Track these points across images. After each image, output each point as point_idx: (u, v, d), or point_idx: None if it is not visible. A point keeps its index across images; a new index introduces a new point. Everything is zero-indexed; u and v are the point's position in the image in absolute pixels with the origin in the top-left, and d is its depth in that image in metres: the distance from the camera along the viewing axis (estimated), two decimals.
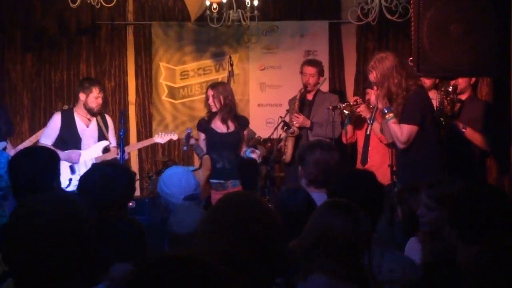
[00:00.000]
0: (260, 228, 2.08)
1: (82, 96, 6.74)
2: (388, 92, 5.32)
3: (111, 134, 6.94)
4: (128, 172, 3.70)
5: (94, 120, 6.81)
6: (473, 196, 3.02)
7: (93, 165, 3.70)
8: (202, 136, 6.79)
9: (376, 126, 6.33)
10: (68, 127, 6.70)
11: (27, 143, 7.01)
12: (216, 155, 6.60)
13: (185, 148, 6.65)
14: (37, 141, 6.91)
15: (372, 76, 5.41)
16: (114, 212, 3.30)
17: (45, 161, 3.63)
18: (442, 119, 5.87)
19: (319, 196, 3.76)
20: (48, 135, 6.72)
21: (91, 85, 6.73)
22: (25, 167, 3.56)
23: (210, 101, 6.69)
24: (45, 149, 4.11)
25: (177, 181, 4.12)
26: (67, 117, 6.77)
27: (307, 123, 7.10)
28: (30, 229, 2.16)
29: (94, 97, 6.69)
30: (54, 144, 6.62)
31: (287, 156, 7.15)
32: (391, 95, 5.33)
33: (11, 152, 6.40)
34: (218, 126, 6.74)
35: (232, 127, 6.72)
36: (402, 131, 5.25)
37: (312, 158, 4.20)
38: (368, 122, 6.47)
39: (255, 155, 6.66)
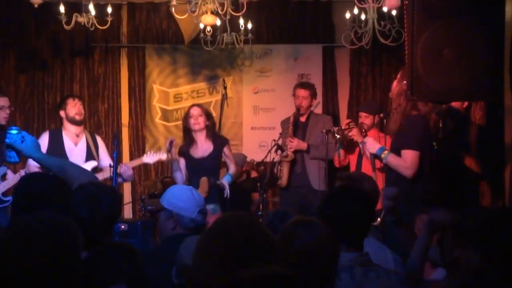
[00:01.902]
0: (255, 250, 2.07)
1: (62, 113, 6.70)
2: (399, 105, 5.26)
3: (102, 153, 6.82)
4: (113, 189, 3.67)
5: (83, 138, 6.73)
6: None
7: (77, 187, 3.65)
8: (182, 161, 6.79)
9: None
10: (56, 146, 6.62)
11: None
12: (195, 180, 6.59)
13: (167, 155, 6.69)
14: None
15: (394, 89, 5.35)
16: (103, 235, 3.26)
17: (52, 188, 3.58)
18: (434, 143, 5.86)
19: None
20: None
21: (64, 100, 6.74)
22: (31, 191, 3.50)
23: (194, 120, 6.71)
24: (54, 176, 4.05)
25: (190, 195, 4.11)
26: (55, 136, 6.70)
27: (304, 146, 7.09)
28: (21, 247, 2.15)
29: (71, 107, 6.63)
30: None
31: (283, 180, 7.12)
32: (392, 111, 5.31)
33: (11, 176, 6.35)
34: (196, 150, 6.75)
35: (211, 148, 6.74)
36: (404, 158, 5.16)
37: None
38: (361, 146, 6.48)
39: (224, 189, 6.64)
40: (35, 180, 3.59)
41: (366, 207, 3.21)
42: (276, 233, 3.43)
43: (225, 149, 6.81)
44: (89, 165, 6.65)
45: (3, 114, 6.58)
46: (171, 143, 6.66)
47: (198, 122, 6.71)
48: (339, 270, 2.81)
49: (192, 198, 4.09)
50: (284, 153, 7.06)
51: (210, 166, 6.71)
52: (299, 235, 2.65)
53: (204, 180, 6.55)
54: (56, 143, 6.64)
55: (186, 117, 6.83)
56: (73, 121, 6.67)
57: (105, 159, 6.76)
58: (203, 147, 6.76)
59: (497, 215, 2.87)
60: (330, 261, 2.63)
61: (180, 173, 6.70)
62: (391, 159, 5.23)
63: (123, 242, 2.97)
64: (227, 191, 6.61)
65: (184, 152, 6.77)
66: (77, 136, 6.72)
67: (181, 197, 4.09)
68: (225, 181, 6.66)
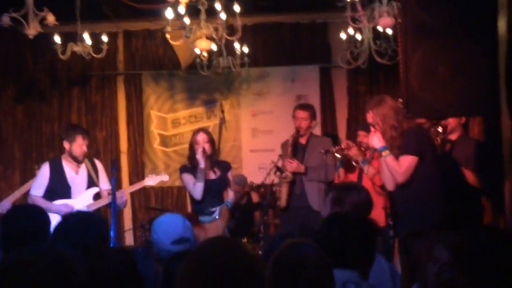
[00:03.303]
0: (238, 275, 2.04)
1: (66, 144, 6.68)
2: (386, 132, 5.34)
3: (102, 177, 6.82)
4: (100, 216, 3.78)
5: (83, 166, 6.73)
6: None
7: (64, 216, 3.72)
8: (190, 179, 6.61)
9: (370, 169, 6.37)
10: (57, 176, 6.63)
11: (17, 194, 6.92)
12: (207, 201, 6.56)
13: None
14: (27, 192, 6.84)
15: (370, 117, 5.44)
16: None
17: (39, 221, 3.62)
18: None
19: None
20: (38, 185, 6.64)
21: (74, 134, 6.65)
22: (18, 226, 3.54)
23: (202, 144, 6.60)
24: (38, 208, 4.10)
25: (164, 226, 4.19)
26: (56, 166, 6.69)
27: (301, 168, 7.05)
28: (17, 280, 2.17)
29: (78, 145, 6.62)
30: (44, 195, 6.57)
31: (282, 201, 7.08)
32: (388, 135, 5.36)
33: None
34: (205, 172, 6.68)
35: (218, 172, 6.70)
36: (401, 163, 5.26)
37: (350, 199, 4.10)
38: (360, 164, 6.47)
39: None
40: (19, 213, 3.63)
41: (359, 233, 3.21)
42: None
43: (229, 175, 6.79)
44: (90, 192, 6.68)
45: None
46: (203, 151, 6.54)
47: (206, 147, 6.61)
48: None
49: (164, 230, 4.15)
50: (284, 174, 7.03)
51: (219, 188, 6.67)
52: (287, 255, 2.63)
53: (224, 208, 6.57)
54: (58, 173, 6.65)
55: (192, 142, 6.78)
56: (74, 159, 6.67)
57: (105, 184, 6.78)
58: (210, 170, 6.69)
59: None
60: (316, 282, 2.59)
61: (201, 185, 6.50)
62: (389, 160, 5.33)
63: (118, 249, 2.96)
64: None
65: (192, 172, 6.62)
66: (78, 165, 6.72)
67: (156, 229, 4.20)
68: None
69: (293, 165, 6.99)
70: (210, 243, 2.20)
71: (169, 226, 4.17)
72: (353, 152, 6.55)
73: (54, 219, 6.31)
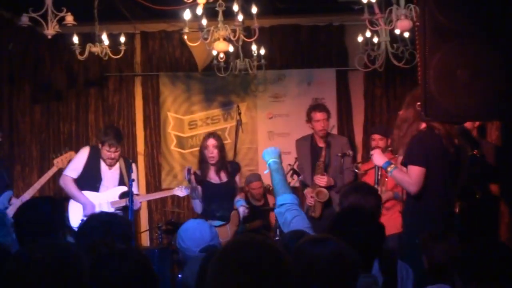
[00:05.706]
0: (269, 268, 2.04)
1: (99, 145, 6.79)
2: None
3: (134, 182, 6.87)
4: (125, 217, 3.84)
5: (117, 164, 6.81)
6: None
7: (87, 217, 3.76)
8: (199, 189, 6.68)
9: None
10: (93, 164, 6.72)
11: (37, 186, 6.95)
12: (216, 205, 6.62)
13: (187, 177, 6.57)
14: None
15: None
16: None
17: (48, 213, 3.65)
18: None
19: None
20: (74, 168, 6.73)
21: (104, 140, 6.71)
22: (29, 220, 3.59)
23: (211, 151, 6.68)
24: (48, 200, 4.14)
25: (191, 234, 4.20)
26: (94, 154, 6.78)
27: (331, 182, 6.92)
28: (27, 276, 2.23)
29: (105, 151, 6.69)
30: (77, 178, 6.67)
31: (316, 212, 6.87)
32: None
33: (15, 201, 6.38)
34: (213, 177, 6.74)
35: (226, 176, 6.74)
36: (410, 174, 5.07)
37: (347, 202, 4.14)
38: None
39: (241, 210, 6.69)
40: (29, 208, 3.68)
41: (374, 228, 3.23)
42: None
43: (236, 178, 6.84)
44: (118, 190, 6.74)
45: None
46: (188, 171, 6.57)
47: (213, 155, 6.70)
48: None
49: (191, 238, 4.17)
50: (300, 176, 7.02)
51: (228, 191, 6.72)
52: (310, 251, 2.62)
53: (234, 214, 6.62)
54: (94, 162, 6.76)
55: (202, 147, 6.82)
56: (104, 160, 6.72)
57: (134, 189, 6.76)
58: (217, 174, 6.77)
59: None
60: (345, 278, 2.57)
61: (199, 201, 6.66)
62: (396, 173, 5.19)
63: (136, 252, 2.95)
64: (243, 212, 6.72)
65: (201, 180, 6.70)
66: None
67: (183, 237, 4.21)
68: (238, 206, 6.74)
69: (324, 180, 6.85)
70: (239, 240, 2.22)
71: (197, 234, 4.18)
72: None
73: (78, 210, 6.46)
